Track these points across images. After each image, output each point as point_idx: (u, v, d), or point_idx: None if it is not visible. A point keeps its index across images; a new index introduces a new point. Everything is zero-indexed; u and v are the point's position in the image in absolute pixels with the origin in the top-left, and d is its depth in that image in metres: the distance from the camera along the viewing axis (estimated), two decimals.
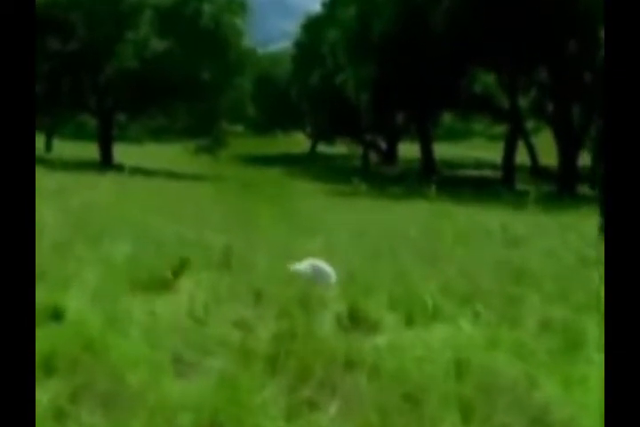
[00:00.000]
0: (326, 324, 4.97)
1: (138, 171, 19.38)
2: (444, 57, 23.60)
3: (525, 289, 6.85)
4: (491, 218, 13.65)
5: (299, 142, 33.84)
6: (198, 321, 4.75)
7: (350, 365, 4.02)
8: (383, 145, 30.66)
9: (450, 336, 4.98)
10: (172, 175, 22.34)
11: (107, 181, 14.64)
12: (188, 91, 24.88)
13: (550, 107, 27.23)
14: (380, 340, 4.88)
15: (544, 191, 23.47)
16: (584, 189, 25.58)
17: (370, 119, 27.79)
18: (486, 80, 27.14)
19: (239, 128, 33.24)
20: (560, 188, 24.66)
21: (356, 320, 5.29)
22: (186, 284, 5.54)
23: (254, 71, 30.00)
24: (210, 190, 17.15)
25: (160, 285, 5.52)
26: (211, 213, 11.91)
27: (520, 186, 26.26)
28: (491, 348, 4.71)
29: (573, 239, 10.81)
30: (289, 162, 30.26)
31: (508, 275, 7.54)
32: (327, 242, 9.08)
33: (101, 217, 8.67)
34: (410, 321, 5.49)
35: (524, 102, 28.24)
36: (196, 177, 22.46)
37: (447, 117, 32.98)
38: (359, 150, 30.36)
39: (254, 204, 14.37)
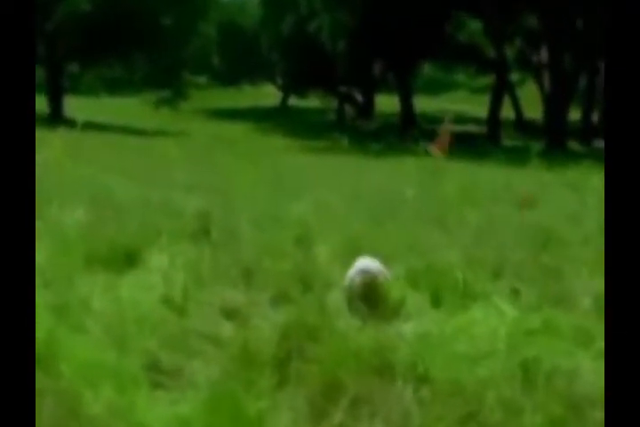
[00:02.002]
0: (338, 309, 4.08)
1: (92, 126, 18.14)
2: (427, 1, 22.47)
3: (560, 258, 6.06)
4: (489, 176, 12.89)
5: (268, 95, 32.53)
6: (177, 310, 3.82)
7: (385, 370, 3.15)
8: (359, 98, 29.61)
9: (493, 323, 4.13)
10: (130, 131, 21.08)
11: (56, 138, 13.40)
12: (148, 38, 23.36)
13: (536, 58, 26.38)
14: (408, 328, 4.02)
15: (530, 146, 22.87)
16: (573, 145, 25.02)
17: (345, 70, 26.66)
18: (472, 28, 26.09)
19: (203, 79, 31.79)
20: (549, 143, 23.99)
21: (372, 302, 4.41)
22: (157, 259, 4.57)
23: (220, 17, 28.48)
24: (173, 147, 16.00)
25: (125, 261, 4.55)
26: (177, 172, 10.84)
27: (506, 141, 25.61)
28: (552, 338, 3.89)
29: (590, 199, 10.10)
30: (258, 116, 29.07)
31: (534, 242, 6.73)
32: (317, 205, 8.17)
33: (49, 179, 7.55)
34: (437, 301, 4.65)
35: (509, 53, 27.33)
36: (157, 133, 21.22)
37: (426, 68, 31.91)
38: (334, 104, 29.27)
39: (225, 162, 13.32)
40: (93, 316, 3.52)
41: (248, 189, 9.46)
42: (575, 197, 10.18)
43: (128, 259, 4.57)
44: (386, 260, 5.61)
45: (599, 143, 24.59)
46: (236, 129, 25.07)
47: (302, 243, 6.11)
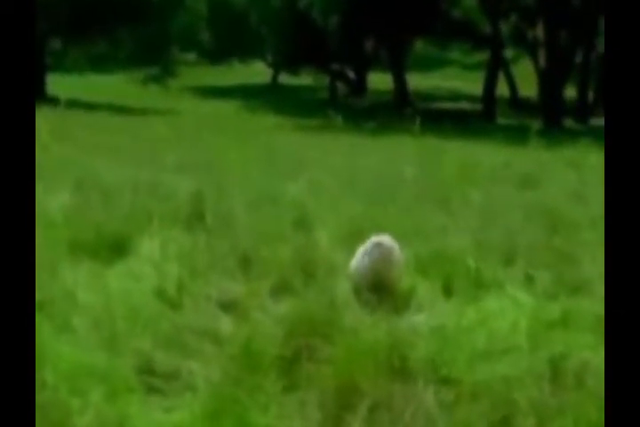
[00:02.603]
0: (344, 300, 3.80)
1: (76, 104, 17.68)
2: None
3: (571, 242, 5.80)
4: (487, 155, 12.59)
5: (258, 72, 31.96)
6: (171, 304, 3.53)
7: (404, 371, 2.88)
8: (351, 75, 29.13)
9: (512, 315, 3.87)
10: (116, 109, 20.59)
11: (39, 117, 12.98)
12: (134, 12, 22.74)
13: (531, 34, 25.96)
14: (421, 320, 3.76)
15: (527, 125, 22.62)
16: (569, 122, 24.75)
17: (337, 46, 26.14)
18: (467, 3, 25.58)
19: (191, 56, 31.17)
20: (545, 121, 23.70)
21: (379, 290, 4.14)
22: (148, 247, 4.27)
23: None
24: (162, 126, 15.59)
25: (113, 249, 4.24)
26: (167, 152, 10.47)
27: (501, 119, 25.30)
28: (574, 330, 3.64)
29: (591, 178, 9.85)
30: (248, 94, 28.54)
31: (542, 224, 6.47)
32: (313, 186, 7.86)
33: None
34: (448, 290, 4.38)
35: (504, 29, 26.90)
36: (144, 111, 20.75)
37: (419, 45, 31.41)
38: (325, 81, 28.80)
39: (215, 141, 12.97)
40: (79, 312, 3.23)
41: (241, 170, 9.13)
42: (576, 176, 9.95)
43: (116, 247, 4.26)
44: None
45: (595, 121, 24.37)
46: (226, 107, 24.58)
47: (301, 227, 5.82)
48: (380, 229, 5.79)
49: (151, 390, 2.77)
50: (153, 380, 2.81)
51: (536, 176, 9.53)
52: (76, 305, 3.32)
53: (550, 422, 2.63)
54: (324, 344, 3.06)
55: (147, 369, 2.87)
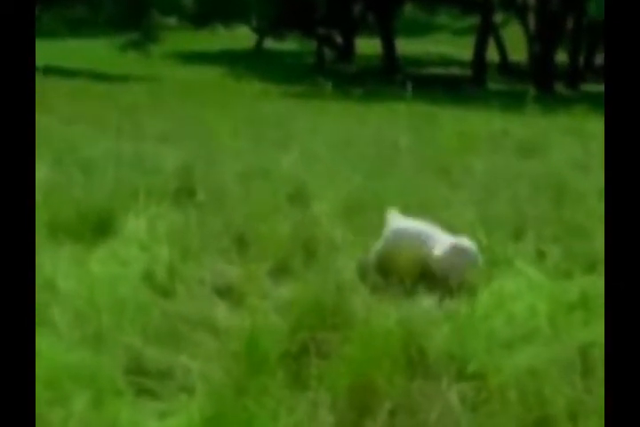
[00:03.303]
0: (350, 282, 3.51)
1: (54, 71, 17.05)
2: None
3: (579, 213, 5.55)
4: (483, 122, 12.25)
5: (243, 37, 31.19)
6: (162, 291, 3.23)
7: (423, 366, 2.60)
8: (339, 40, 28.49)
9: (529, 297, 3.61)
10: (96, 76, 19.95)
11: None
12: None
13: None
14: (433, 304, 3.49)
15: (518, 90, 22.26)
16: (560, 88, 24.44)
17: (324, 10, 25.46)
18: None
19: (173, 21, 30.33)
20: (536, 86, 23.35)
21: (386, 274, 3.86)
22: (134, 227, 3.94)
23: None
24: (144, 94, 15.10)
25: (96, 229, 3.91)
26: (149, 120, 10.05)
27: (491, 85, 24.93)
28: (596, 314, 3.39)
29: (592, 145, 9.60)
30: (232, 60, 27.82)
31: (548, 194, 6.21)
32: (306, 156, 7.52)
33: None
34: None
35: None
36: (124, 78, 20.12)
37: (408, 9, 30.74)
38: (312, 46, 28.16)
39: (200, 109, 12.52)
40: (59, 303, 2.92)
41: (228, 140, 8.77)
42: (576, 144, 9.69)
43: (100, 227, 3.92)
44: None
45: (586, 87, 24.08)
46: (210, 73, 23.95)
47: (297, 201, 5.52)
48: (381, 203, 5.50)
49: (142, 392, 2.48)
50: (144, 380, 2.52)
51: (536, 144, 9.25)
52: (56, 295, 3.01)
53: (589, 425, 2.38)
54: (333, 335, 2.78)
55: (137, 368, 2.58)
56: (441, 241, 3.96)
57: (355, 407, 2.34)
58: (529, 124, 11.51)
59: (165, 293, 3.20)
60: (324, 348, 2.69)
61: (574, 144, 9.58)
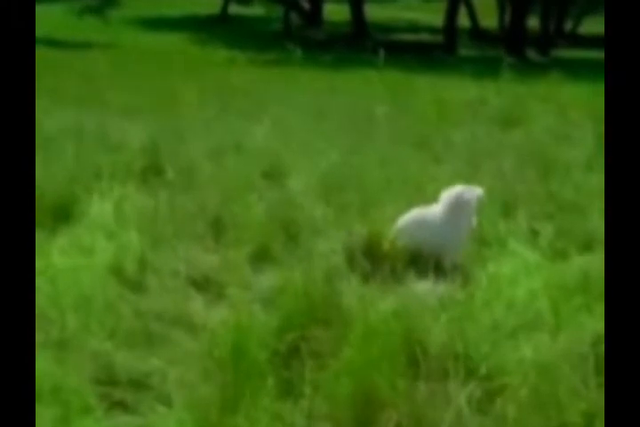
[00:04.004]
0: (338, 272, 3.27)
1: None
2: None
3: (569, 188, 5.38)
4: (458, 90, 12.01)
5: (207, 2, 30.33)
6: (131, 285, 2.95)
7: (426, 367, 2.38)
8: (306, 5, 27.83)
9: (528, 282, 3.41)
10: (51, 43, 19.19)
11: None
12: None
13: None
14: (426, 290, 3.28)
15: (490, 56, 22.02)
16: (531, 54, 24.30)
17: None
18: None
19: None
20: (508, 52, 23.16)
21: (374, 257, 3.63)
22: (98, 211, 3.62)
23: None
24: (104, 63, 14.53)
25: (56, 214, 3.59)
26: (111, 91, 9.59)
27: (462, 51, 24.68)
28: (597, 298, 3.20)
29: (572, 114, 9.44)
30: (196, 26, 27.01)
31: (534, 167, 6.02)
32: (279, 128, 7.21)
33: None
34: None
35: None
36: (82, 45, 19.42)
37: None
38: (279, 11, 27.47)
39: (164, 79, 12.07)
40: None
41: (196, 112, 8.40)
42: (554, 111, 9.52)
43: (59, 211, 3.60)
44: (378, 198, 4.83)
45: (557, 52, 23.98)
46: (173, 40, 23.23)
47: (273, 178, 5.24)
48: (361, 180, 5.27)
49: (114, 405, 2.23)
50: (115, 391, 2.26)
51: (515, 113, 9.05)
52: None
53: None
54: (325, 333, 2.55)
55: (107, 377, 2.31)
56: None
57: (357, 419, 2.12)
58: (505, 92, 11.28)
59: (136, 287, 2.92)
60: (316, 347, 2.46)
61: (552, 113, 9.40)
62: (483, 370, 2.46)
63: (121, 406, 2.23)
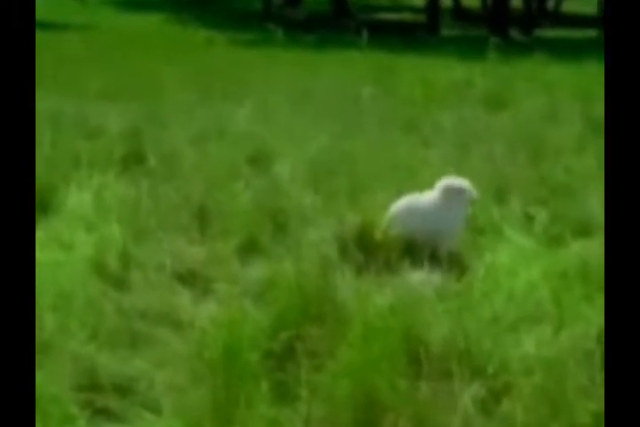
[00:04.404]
0: (331, 263, 3.15)
1: None
2: None
3: (561, 170, 5.29)
4: (444, 71, 11.87)
5: None
6: (114, 280, 2.81)
7: (430, 367, 2.27)
8: None
9: (525, 271, 3.31)
10: None
11: None
12: None
13: None
14: (421, 279, 3.17)
15: (473, 36, 21.83)
16: (514, 34, 24.18)
17: None
18: None
19: None
20: (491, 33, 23.01)
21: (367, 247, 3.51)
22: (77, 200, 3.47)
23: None
24: (80, 44, 14.21)
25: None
26: (88, 74, 9.35)
27: (445, 31, 24.50)
28: (597, 286, 3.11)
29: (560, 95, 9.36)
30: (174, 6, 26.58)
31: (522, 150, 5.92)
32: (262, 111, 7.05)
33: None
34: None
35: None
36: (59, 26, 19.03)
37: None
38: None
39: (142, 61, 11.80)
40: None
41: (176, 96, 8.19)
42: (541, 93, 9.43)
43: (37, 202, 3.44)
44: (368, 184, 4.70)
45: (540, 32, 23.88)
46: (151, 21, 22.81)
47: (259, 164, 5.09)
48: (350, 166, 5.14)
49: (98, 413, 2.10)
50: (99, 397, 2.13)
51: (502, 95, 8.94)
52: None
53: None
54: (320, 331, 2.43)
55: (90, 382, 2.18)
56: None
57: (357, 422, 2.01)
58: (491, 73, 11.17)
59: (118, 283, 2.78)
60: (311, 346, 2.34)
61: (539, 94, 9.31)
62: (486, 368, 2.36)
63: (105, 413, 2.10)
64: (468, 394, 2.15)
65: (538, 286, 3.17)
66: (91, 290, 2.67)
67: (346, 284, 2.83)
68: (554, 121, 7.53)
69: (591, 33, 20.60)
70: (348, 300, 2.63)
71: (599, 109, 8.07)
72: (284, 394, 2.12)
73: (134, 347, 2.40)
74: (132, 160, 4.21)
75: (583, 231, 4.07)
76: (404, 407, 2.04)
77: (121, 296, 2.71)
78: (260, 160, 4.93)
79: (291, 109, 7.39)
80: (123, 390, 2.17)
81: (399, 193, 4.29)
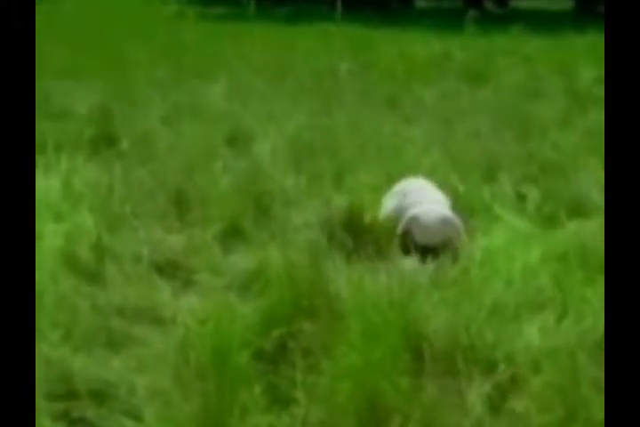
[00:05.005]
0: (321, 250, 2.99)
1: None
2: None
3: (548, 146, 5.18)
4: (421, 44, 11.68)
5: None
6: (88, 274, 2.63)
7: (433, 362, 2.14)
8: None
9: (521, 254, 3.18)
10: None
11: None
12: None
13: None
14: (413, 266, 3.03)
15: (447, 8, 21.65)
16: (488, 5, 24.02)
17: None
18: None
19: None
20: (465, 3, 22.80)
21: (355, 232, 3.36)
22: (44, 186, 3.25)
23: None
24: (40, 17, 13.75)
25: None
26: (51, 51, 8.99)
27: (419, 3, 24.27)
28: (596, 267, 2.99)
29: (539, 69, 9.25)
30: None
31: (507, 126, 5.80)
32: (237, 88, 6.82)
33: None
34: None
35: None
36: None
37: None
38: None
39: (108, 36, 11.44)
40: None
41: (147, 72, 7.92)
42: (520, 66, 9.32)
43: None
44: (352, 164, 4.54)
45: (514, 3, 23.75)
46: None
47: (237, 145, 4.89)
48: (332, 145, 4.96)
49: (74, 424, 1.93)
50: (74, 406, 1.97)
51: (482, 69, 8.80)
52: None
53: None
54: (313, 326, 2.28)
55: (65, 389, 2.01)
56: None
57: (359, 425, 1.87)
58: (469, 47, 11.03)
59: (92, 277, 2.60)
60: (305, 343, 2.19)
61: (519, 67, 9.19)
62: (491, 363, 2.24)
63: (82, 424, 1.93)
64: (477, 393, 2.03)
65: (537, 270, 3.06)
66: (62, 286, 2.48)
67: (337, 273, 2.68)
68: (536, 95, 7.41)
69: (565, 4, 20.48)
70: (342, 291, 2.48)
71: (581, 83, 8.00)
72: (278, 398, 1.97)
73: (112, 348, 2.23)
74: (103, 142, 3.99)
75: (577, 210, 3.96)
76: (411, 409, 1.91)
77: (95, 292, 2.53)
78: (238, 140, 4.73)
79: (267, 86, 7.18)
80: (101, 396, 2.00)
81: (385, 173, 4.16)
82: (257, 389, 1.95)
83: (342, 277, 2.64)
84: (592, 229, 3.49)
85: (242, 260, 2.95)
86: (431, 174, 4.16)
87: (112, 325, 2.35)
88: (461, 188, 3.88)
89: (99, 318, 2.37)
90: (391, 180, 4.08)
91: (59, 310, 2.34)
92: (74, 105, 4.72)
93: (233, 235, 3.22)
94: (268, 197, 3.69)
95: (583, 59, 9.13)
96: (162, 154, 3.90)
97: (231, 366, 2.00)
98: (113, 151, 3.88)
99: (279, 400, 1.96)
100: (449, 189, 3.95)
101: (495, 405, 2.09)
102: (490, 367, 2.26)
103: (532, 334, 2.51)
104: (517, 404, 2.07)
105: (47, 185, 3.28)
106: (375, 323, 2.16)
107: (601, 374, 2.20)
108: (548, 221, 3.75)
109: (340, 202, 3.49)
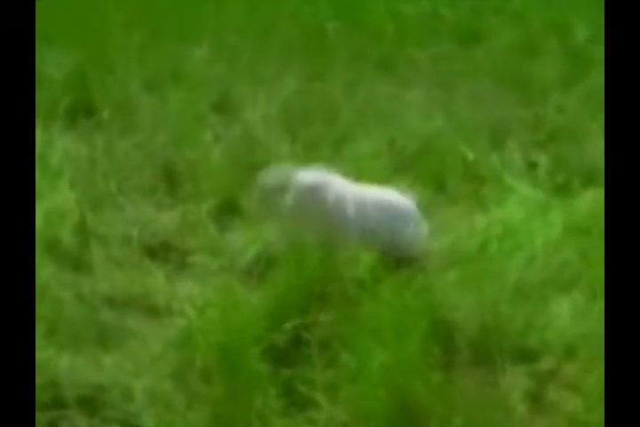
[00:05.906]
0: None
1: None
2: None
3: (550, 110, 4.98)
4: (408, 2, 11.33)
5: None
6: (72, 261, 2.39)
7: (461, 351, 1.94)
8: None
9: (540, 228, 2.98)
10: None
11: None
12: None
13: None
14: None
15: None
16: None
17: None
18: None
19: None
20: None
21: None
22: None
23: None
24: None
25: None
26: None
27: None
28: None
29: (532, 27, 8.99)
30: None
31: (508, 87, 5.57)
32: (221, 50, 6.50)
33: None
34: (443, 190, 3.46)
35: None
36: None
37: None
38: None
39: None
40: None
41: (122, 35, 7.54)
42: (514, 25, 9.06)
43: None
44: (350, 131, 4.29)
45: None
46: None
47: (226, 112, 4.60)
48: (329, 110, 4.71)
49: None
50: (62, 416, 1.74)
51: (474, 28, 8.50)
52: None
53: None
54: (328, 315, 2.06)
55: (52, 396, 1.79)
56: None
57: None
58: (457, 5, 10.72)
59: (76, 263, 2.35)
60: (320, 334, 1.98)
61: (511, 26, 8.92)
62: (524, 350, 2.05)
63: None
64: (515, 386, 1.84)
65: (560, 244, 2.86)
66: (42, 273, 2.24)
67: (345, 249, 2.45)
68: (533, 55, 7.17)
69: None
70: (354, 272, 2.27)
71: (576, 42, 7.77)
72: (294, 400, 1.77)
73: (102, 344, 2.00)
74: (80, 112, 3.69)
75: (590, 178, 3.77)
76: (449, 410, 1.71)
77: (80, 279, 2.28)
78: (226, 107, 4.45)
79: (252, 48, 6.86)
80: (92, 404, 1.78)
81: (385, 140, 3.92)
82: (272, 391, 1.74)
83: (351, 257, 2.43)
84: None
85: (240, 238, 2.72)
86: (435, 144, 3.96)
87: (101, 317, 2.13)
88: (470, 155, 3.66)
89: (85, 310, 2.14)
90: (393, 147, 3.87)
91: (39, 301, 2.10)
92: (46, 72, 4.40)
93: (229, 211, 2.98)
94: (262, 167, 3.44)
95: (577, 15, 8.89)
96: (146, 123, 3.61)
97: (242, 365, 1.78)
98: (92, 121, 3.59)
99: (297, 403, 1.75)
100: (457, 156, 3.75)
101: (535, 397, 1.91)
102: (523, 355, 2.07)
103: (564, 316, 2.33)
104: (557, 396, 1.89)
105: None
106: (399, 311, 1.95)
107: None
108: (562, 191, 3.56)
109: (339, 171, 3.26)
